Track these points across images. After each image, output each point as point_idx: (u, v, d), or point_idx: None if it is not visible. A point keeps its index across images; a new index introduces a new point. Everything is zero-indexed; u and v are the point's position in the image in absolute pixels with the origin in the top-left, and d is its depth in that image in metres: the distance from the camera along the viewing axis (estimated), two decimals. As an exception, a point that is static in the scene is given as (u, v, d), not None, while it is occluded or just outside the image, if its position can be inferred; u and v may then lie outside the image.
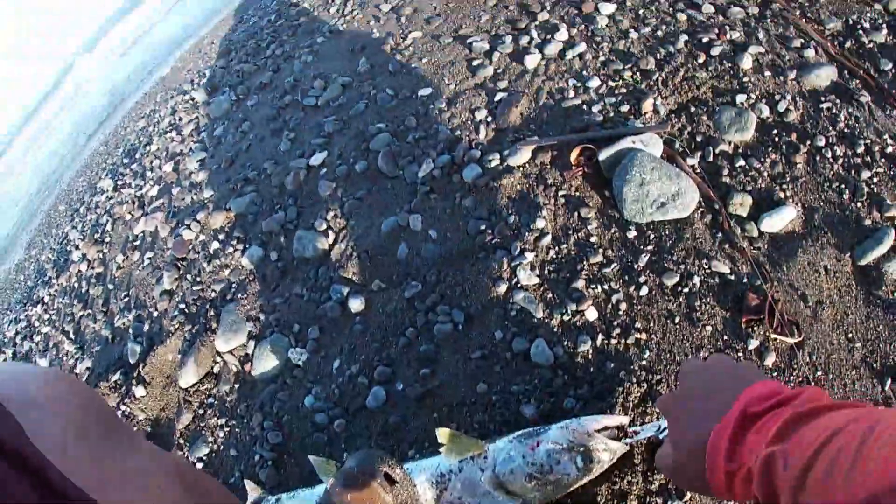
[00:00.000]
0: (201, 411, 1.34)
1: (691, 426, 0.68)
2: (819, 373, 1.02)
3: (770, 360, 1.03)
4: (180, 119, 2.39)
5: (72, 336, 1.88)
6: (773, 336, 1.06)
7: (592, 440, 0.89)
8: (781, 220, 1.17)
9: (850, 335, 1.06)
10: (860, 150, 1.25)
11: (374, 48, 1.88)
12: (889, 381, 0.98)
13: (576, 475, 0.89)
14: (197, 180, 1.87)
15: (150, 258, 1.79)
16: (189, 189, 1.87)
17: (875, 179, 1.21)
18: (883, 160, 1.24)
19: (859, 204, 1.19)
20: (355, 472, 0.90)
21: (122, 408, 1.47)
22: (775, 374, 1.03)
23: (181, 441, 1.33)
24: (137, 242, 1.92)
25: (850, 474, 0.45)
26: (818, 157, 1.27)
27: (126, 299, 1.77)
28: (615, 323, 1.07)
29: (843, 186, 1.22)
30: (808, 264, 1.14)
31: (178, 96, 2.67)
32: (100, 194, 2.53)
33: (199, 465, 1.27)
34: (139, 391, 1.47)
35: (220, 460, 1.25)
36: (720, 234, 1.17)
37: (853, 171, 1.24)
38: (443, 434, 0.93)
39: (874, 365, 1.04)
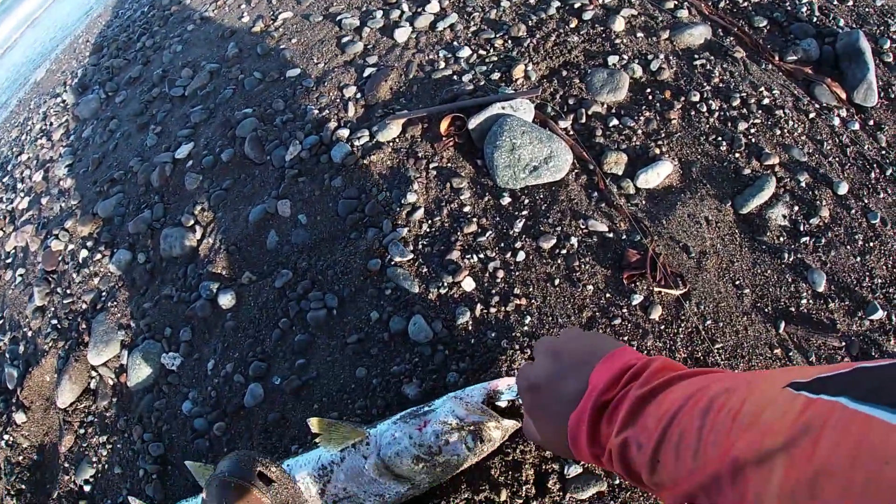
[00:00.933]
0: (82, 431, 1.23)
1: (549, 412, 0.68)
2: (709, 322, 1.02)
3: (656, 313, 1.02)
4: (51, 124, 2.18)
5: (-51, 369, 1.69)
6: (656, 289, 1.06)
7: (483, 416, 0.85)
8: (658, 175, 1.17)
9: (737, 282, 1.07)
10: (736, 103, 1.26)
11: (243, 32, 1.75)
12: (783, 324, 0.99)
13: (466, 455, 0.85)
14: (65, 187, 1.71)
15: (21, 275, 1.63)
16: (58, 197, 1.71)
17: (753, 130, 1.23)
18: (760, 112, 1.26)
19: (737, 154, 1.21)
20: (227, 477, 0.83)
21: (6, 437, 1.34)
22: (663, 327, 1.02)
23: (66, 465, 1.22)
24: (9, 260, 1.75)
25: (696, 457, 0.45)
26: (693, 112, 1.27)
27: (1, 322, 1.60)
28: (493, 291, 1.04)
29: (719, 139, 1.23)
30: (689, 216, 1.14)
31: (50, 100, 2.44)
32: (-28, 213, 2.29)
33: (86, 488, 1.16)
34: (20, 417, 1.34)
35: (106, 480, 1.15)
36: (596, 194, 1.16)
37: (729, 124, 1.26)
38: (314, 424, 0.88)
39: (766, 309, 1.05)
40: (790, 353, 0.97)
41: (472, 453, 0.85)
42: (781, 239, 1.12)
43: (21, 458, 1.32)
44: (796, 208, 1.14)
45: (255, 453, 0.86)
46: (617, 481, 0.90)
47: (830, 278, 1.08)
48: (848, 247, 1.11)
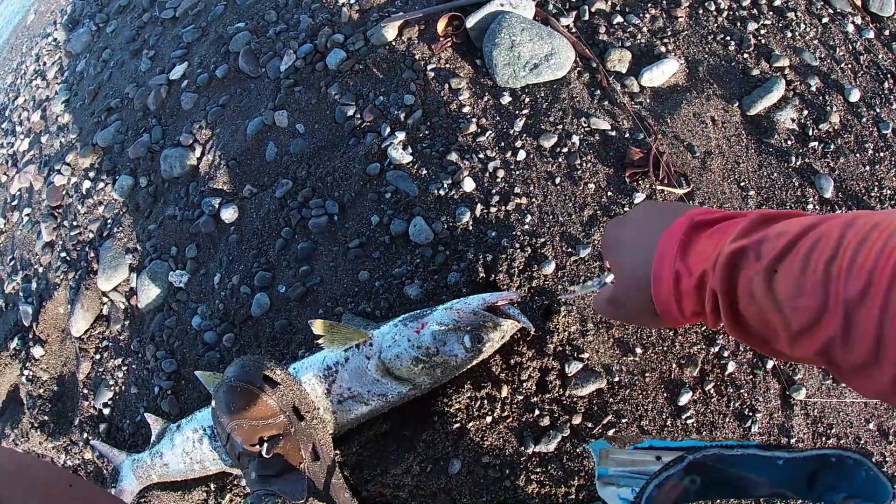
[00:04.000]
0: (98, 356, 1.32)
1: (633, 250, 0.63)
2: None
3: None
4: (44, 64, 2.23)
5: (-31, 316, 1.81)
6: (659, 188, 1.07)
7: (480, 318, 0.90)
8: (663, 73, 1.17)
9: (742, 183, 1.08)
10: (746, 3, 1.24)
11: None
12: None
13: (464, 356, 0.90)
14: (63, 122, 1.77)
15: (28, 214, 1.71)
16: (57, 134, 1.77)
17: (763, 31, 1.21)
18: (771, 13, 1.24)
19: (746, 55, 1.20)
20: (233, 382, 0.90)
21: (26, 372, 1.44)
22: None
23: (85, 391, 1.32)
24: (15, 202, 1.83)
25: (832, 264, 0.42)
26: (701, 11, 1.26)
27: (12, 262, 1.70)
28: (493, 191, 1.07)
29: (728, 38, 1.22)
30: (694, 115, 1.14)
31: (41, 41, 2.48)
32: (-25, 163, 2.38)
33: (106, 411, 1.26)
34: (37, 351, 1.44)
35: (124, 402, 1.24)
36: (599, 92, 1.16)
37: (739, 24, 1.24)
38: (317, 326, 0.93)
39: None
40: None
41: (469, 353, 0.90)
42: (789, 142, 1.12)
43: (42, 390, 1.42)
44: (805, 112, 1.15)
45: (261, 357, 0.92)
46: (617, 378, 0.95)
47: (838, 185, 1.09)
48: (857, 155, 1.11)
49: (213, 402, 0.93)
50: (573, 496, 0.91)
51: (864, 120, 1.14)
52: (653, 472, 0.47)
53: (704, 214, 0.57)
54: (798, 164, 1.10)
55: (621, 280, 0.67)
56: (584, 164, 1.09)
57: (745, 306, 0.50)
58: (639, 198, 1.06)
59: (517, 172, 1.08)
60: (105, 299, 1.33)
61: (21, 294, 1.58)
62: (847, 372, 0.43)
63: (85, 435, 1.26)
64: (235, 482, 1.05)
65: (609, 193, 1.07)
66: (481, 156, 1.09)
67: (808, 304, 0.43)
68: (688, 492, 0.46)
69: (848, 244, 0.41)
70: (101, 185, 1.46)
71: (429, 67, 1.19)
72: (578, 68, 1.19)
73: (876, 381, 0.41)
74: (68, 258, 1.46)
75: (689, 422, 0.94)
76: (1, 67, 3.04)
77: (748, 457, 0.41)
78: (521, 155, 1.09)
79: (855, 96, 1.16)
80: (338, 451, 0.98)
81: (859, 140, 1.13)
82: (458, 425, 0.94)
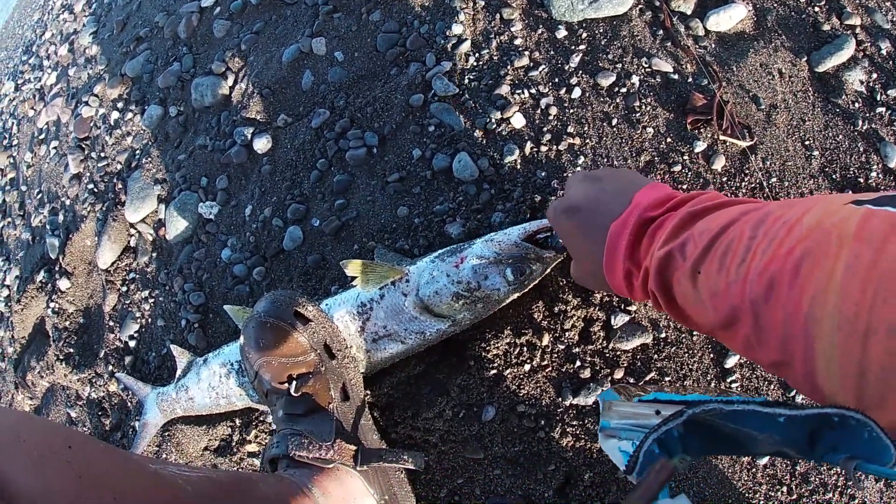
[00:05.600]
0: (124, 289, 1.32)
1: (588, 230, 0.68)
2: (774, 179, 1.00)
3: (720, 164, 1.00)
4: (72, -3, 2.22)
5: (-4, 250, 1.84)
6: (722, 138, 1.03)
7: (521, 250, 0.87)
8: (730, 18, 1.11)
9: (807, 142, 1.04)
10: None
11: None
12: (850, 193, 0.97)
13: (506, 290, 0.88)
14: (91, 54, 1.76)
15: (55, 147, 1.72)
16: (84, 66, 1.76)
17: None
18: None
19: (817, 9, 1.14)
20: (263, 317, 0.88)
21: (52, 305, 1.46)
22: (725, 178, 1.00)
23: (111, 324, 1.33)
24: (42, 136, 1.84)
25: (742, 266, 0.45)
26: None
27: (39, 196, 1.71)
28: (545, 129, 1.03)
29: None
30: (761, 66, 1.09)
31: (69, -26, 2.47)
32: (2, 100, 2.40)
33: (132, 344, 1.27)
34: (63, 284, 1.46)
35: (150, 334, 1.25)
36: (661, 32, 1.11)
37: None
38: (353, 267, 0.90)
39: (833, 176, 1.02)
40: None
41: (512, 287, 0.87)
42: (856, 105, 1.07)
43: (67, 323, 1.44)
44: (874, 76, 1.09)
45: (292, 293, 0.90)
46: (663, 335, 0.91)
47: None
48: (925, 128, 1.05)
49: (241, 338, 0.92)
50: (609, 452, 0.89)
51: (934, 92, 1.08)
52: (652, 425, 0.47)
53: (652, 208, 0.60)
54: (864, 128, 1.05)
55: (579, 263, 0.75)
56: (644, 107, 1.04)
57: (682, 303, 0.55)
58: (700, 146, 1.02)
59: (571, 111, 1.03)
60: (133, 231, 1.33)
61: (48, 227, 1.59)
62: (769, 368, 0.47)
63: (110, 367, 1.28)
64: (262, 419, 1.05)
65: (668, 140, 1.02)
66: (533, 91, 1.05)
67: (725, 303, 0.47)
68: (684, 447, 0.47)
69: (757, 246, 0.44)
70: (130, 115, 1.45)
71: (478, -5, 1.14)
72: (640, 6, 1.13)
73: (794, 379, 0.43)
74: (95, 190, 1.46)
75: (733, 385, 0.92)
76: (28, 5, 3.05)
77: (748, 412, 0.41)
78: (577, 92, 1.04)
79: (926, 66, 1.10)
80: (368, 392, 0.96)
81: (928, 112, 1.07)
82: (494, 371, 0.92)
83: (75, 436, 0.55)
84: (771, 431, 0.41)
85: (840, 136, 1.05)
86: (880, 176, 1.03)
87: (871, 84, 1.08)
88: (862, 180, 1.02)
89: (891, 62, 1.10)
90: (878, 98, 1.07)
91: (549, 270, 0.91)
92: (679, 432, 0.45)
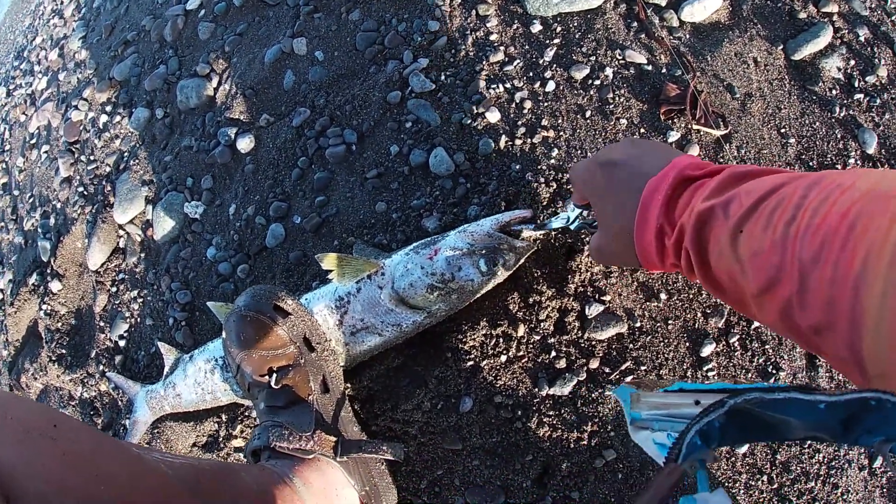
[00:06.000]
0: (114, 289, 1.35)
1: (624, 187, 0.64)
2: None
3: (694, 152, 1.02)
4: (62, 2, 2.25)
5: (-10, 254, 1.86)
6: (696, 127, 1.04)
7: (494, 240, 0.89)
8: (704, 9, 1.13)
9: (783, 130, 1.05)
10: None
11: None
12: None
13: (480, 280, 0.89)
14: (80, 59, 1.78)
15: (46, 151, 1.74)
16: (74, 70, 1.79)
17: None
18: None
19: None
20: (243, 311, 0.90)
21: (44, 307, 1.49)
22: None
23: (101, 324, 1.35)
24: (34, 140, 1.86)
25: (792, 224, 0.44)
26: None
27: (31, 200, 1.74)
28: (519, 122, 1.05)
29: None
30: (736, 55, 1.11)
31: (60, -20, 2.50)
32: (-5, 106, 2.43)
33: (121, 343, 1.29)
34: (55, 286, 1.48)
35: (139, 333, 1.27)
36: (635, 24, 1.13)
37: None
38: (328, 260, 0.93)
39: (810, 163, 1.04)
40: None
41: (486, 277, 0.89)
42: (834, 92, 1.09)
43: (60, 324, 1.46)
44: (852, 62, 1.11)
45: (272, 287, 0.92)
46: (638, 324, 0.93)
47: (882, 142, 1.06)
48: (904, 112, 1.07)
49: (223, 333, 0.95)
50: (585, 442, 0.91)
51: (914, 76, 1.10)
52: (690, 415, 0.46)
53: (693, 169, 0.59)
54: (842, 115, 1.07)
55: (606, 224, 0.69)
56: (617, 99, 1.06)
57: (716, 264, 0.53)
58: (673, 136, 1.03)
59: (545, 104, 1.06)
60: (121, 232, 1.36)
61: (40, 230, 1.62)
62: (806, 335, 0.45)
63: (101, 367, 1.30)
64: (247, 413, 1.07)
65: (642, 130, 1.04)
66: (508, 85, 1.07)
67: (767, 263, 0.46)
68: (722, 437, 0.45)
69: (808, 205, 0.43)
70: (118, 118, 1.47)
71: (455, -7, 1.17)
72: (614, -1, 1.15)
73: (833, 345, 0.42)
74: (85, 192, 1.48)
75: (710, 374, 0.93)
76: (19, 10, 3.07)
77: (789, 400, 0.40)
78: (551, 86, 1.06)
79: (905, 50, 1.11)
80: (348, 385, 0.98)
81: (907, 97, 1.08)
82: (471, 363, 0.94)
83: (61, 417, 0.57)
84: (809, 418, 0.40)
85: (817, 124, 1.06)
86: (858, 162, 1.04)
87: (848, 71, 1.09)
88: (840, 166, 1.03)
89: (869, 48, 1.11)
90: (857, 85, 1.08)
91: (522, 260, 0.93)
92: (720, 422, 0.44)
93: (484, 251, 0.88)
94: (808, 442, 0.93)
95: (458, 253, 0.89)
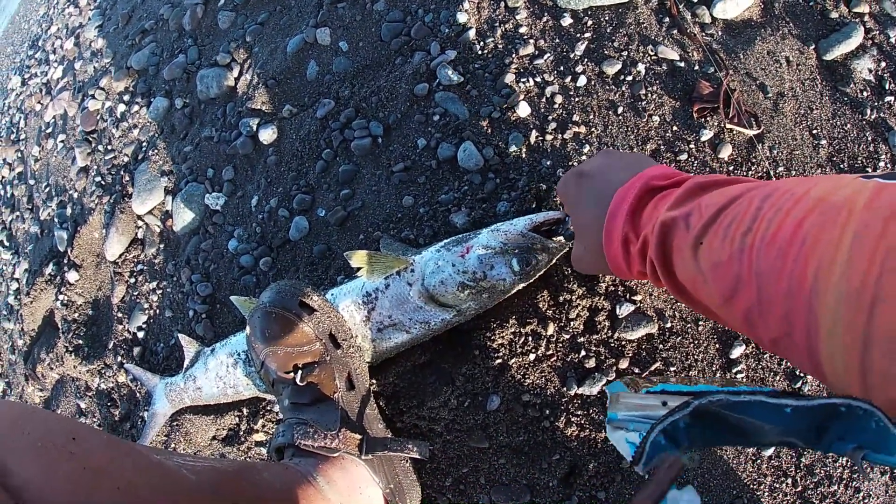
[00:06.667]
0: (132, 280, 1.34)
1: (594, 196, 0.68)
2: (781, 168, 1.00)
3: (726, 152, 1.00)
4: (77, -10, 2.24)
5: (5, 243, 1.87)
6: (728, 126, 1.03)
7: (528, 240, 0.87)
8: (737, 5, 1.11)
9: (814, 131, 1.04)
10: None
11: None
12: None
13: (512, 280, 0.88)
14: (97, 48, 1.78)
15: (62, 141, 1.74)
16: (90, 59, 1.78)
17: None
18: None
19: None
20: (268, 307, 0.89)
21: (61, 297, 1.48)
22: (732, 167, 1.01)
23: (119, 315, 1.35)
24: (50, 130, 1.86)
25: (747, 236, 0.45)
26: None
27: (47, 189, 1.74)
28: (550, 118, 1.03)
29: None
30: (768, 53, 1.09)
31: (74, -32, 2.50)
32: (10, 95, 2.43)
33: (140, 335, 1.29)
34: (72, 276, 1.48)
35: (158, 325, 1.27)
36: (668, 20, 1.11)
37: None
38: (357, 258, 0.91)
39: (841, 165, 1.02)
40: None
41: (518, 277, 0.88)
42: (865, 94, 1.07)
43: (76, 314, 1.46)
44: (883, 64, 1.09)
45: (297, 283, 0.91)
46: (669, 325, 0.92)
47: None
48: (935, 116, 1.05)
49: (247, 328, 0.94)
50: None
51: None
52: (659, 416, 0.47)
53: (660, 179, 0.61)
54: (873, 117, 1.05)
55: (581, 233, 0.73)
56: (650, 95, 1.04)
57: (681, 274, 0.54)
58: (706, 135, 1.02)
59: (576, 99, 1.04)
60: (140, 223, 1.35)
61: (56, 220, 1.62)
62: (769, 345, 0.47)
63: (119, 358, 1.30)
64: (268, 408, 1.07)
65: (675, 128, 1.03)
66: (538, 79, 1.05)
67: (727, 274, 0.47)
68: (690, 438, 0.46)
69: (764, 215, 0.44)
70: (136, 108, 1.46)
71: (483, -16, 1.15)
72: (646, -8, 1.13)
73: (796, 353, 0.43)
74: (103, 182, 1.48)
75: (738, 376, 0.92)
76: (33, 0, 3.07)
77: (755, 403, 0.41)
78: (582, 81, 1.05)
79: (936, 54, 1.09)
80: (374, 381, 0.98)
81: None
82: (499, 361, 0.93)
83: (79, 427, 0.56)
84: (778, 422, 0.40)
85: (848, 125, 1.05)
86: (888, 165, 1.03)
87: (879, 73, 1.08)
88: (870, 169, 1.02)
89: (898, 51, 1.10)
90: (887, 87, 1.07)
91: (554, 261, 0.91)
92: (685, 423, 0.45)
93: (517, 251, 0.87)
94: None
95: (490, 251, 0.87)
